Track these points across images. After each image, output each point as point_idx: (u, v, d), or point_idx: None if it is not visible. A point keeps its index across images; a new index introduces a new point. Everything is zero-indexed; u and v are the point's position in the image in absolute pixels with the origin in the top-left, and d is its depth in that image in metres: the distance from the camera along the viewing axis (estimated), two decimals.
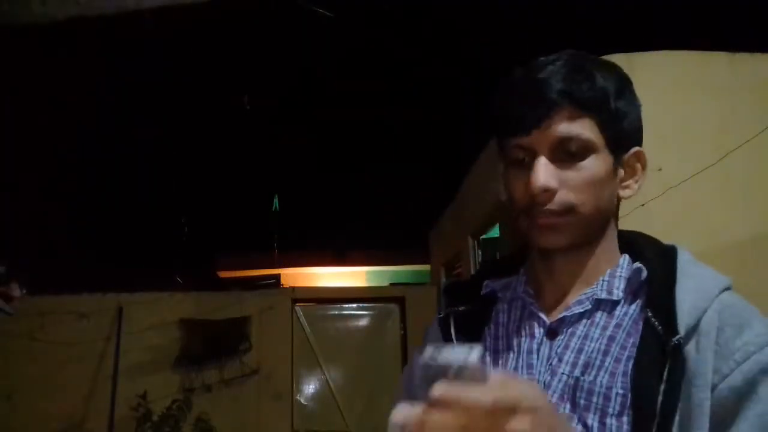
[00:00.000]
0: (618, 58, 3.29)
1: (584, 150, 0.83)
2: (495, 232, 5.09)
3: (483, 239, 5.38)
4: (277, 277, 10.21)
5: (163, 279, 7.81)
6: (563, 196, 0.83)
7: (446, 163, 8.34)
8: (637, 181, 0.91)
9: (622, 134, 0.87)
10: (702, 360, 0.77)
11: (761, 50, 3.45)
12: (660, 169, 3.13)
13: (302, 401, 7.08)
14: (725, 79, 3.39)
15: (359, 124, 10.90)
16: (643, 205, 3.05)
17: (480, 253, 5.44)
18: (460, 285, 1.04)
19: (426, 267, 8.51)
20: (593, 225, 0.87)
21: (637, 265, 0.88)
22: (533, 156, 0.84)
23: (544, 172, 0.82)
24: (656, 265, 0.87)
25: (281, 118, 10.21)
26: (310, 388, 7.14)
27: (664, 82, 3.33)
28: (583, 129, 0.83)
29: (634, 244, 0.93)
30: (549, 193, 0.82)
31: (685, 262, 0.87)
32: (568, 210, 0.83)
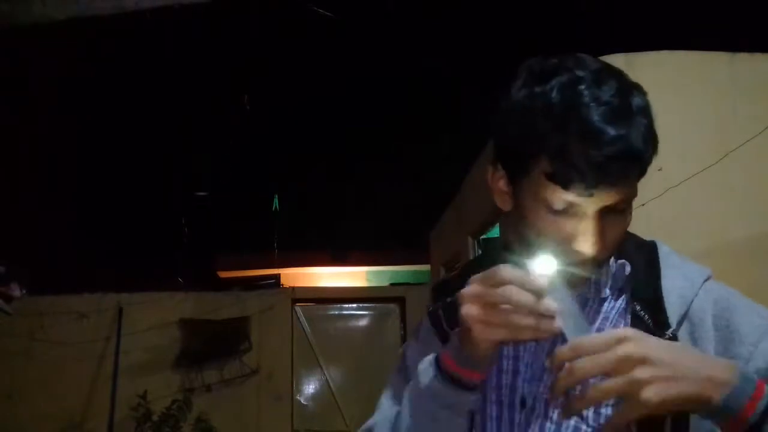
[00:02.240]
0: (618, 58, 3.30)
1: (629, 207, 0.83)
2: (495, 232, 5.09)
3: (483, 239, 5.37)
4: (277, 277, 10.20)
5: (163, 279, 7.81)
6: (605, 254, 0.83)
7: (446, 163, 8.34)
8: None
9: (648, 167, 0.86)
10: (701, 349, 0.78)
11: (761, 50, 3.45)
12: (660, 169, 3.12)
13: (302, 401, 7.08)
14: (725, 79, 3.39)
15: (359, 125, 10.90)
16: (643, 205, 3.05)
17: (480, 253, 5.43)
18: (447, 281, 1.04)
19: (426, 267, 8.49)
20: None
21: (621, 261, 0.90)
22: (578, 209, 0.80)
23: (597, 239, 0.80)
24: (638, 259, 0.89)
25: (281, 117, 10.21)
26: (310, 388, 7.14)
27: (664, 82, 3.33)
28: (634, 189, 0.82)
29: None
30: (596, 253, 0.81)
31: (666, 254, 0.89)
32: (604, 263, 0.85)
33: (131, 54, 7.13)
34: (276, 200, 8.74)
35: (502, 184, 0.89)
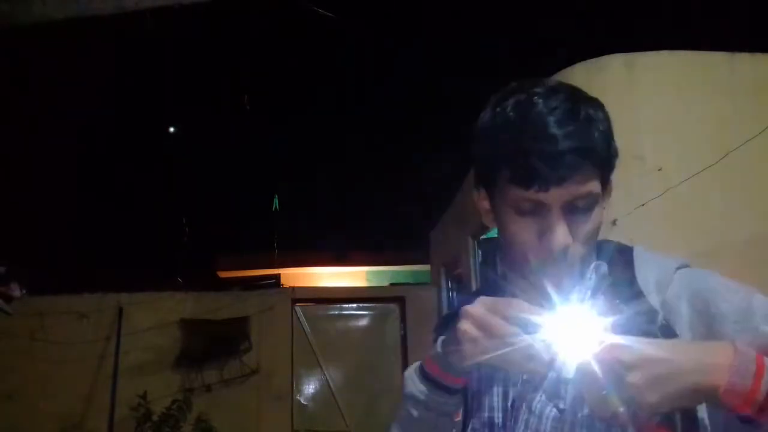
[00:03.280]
0: (618, 58, 3.30)
1: (592, 204, 0.87)
2: (495, 232, 5.08)
3: (483, 239, 5.37)
4: (277, 277, 10.20)
5: (163, 279, 7.80)
6: (575, 250, 0.86)
7: (446, 163, 8.34)
8: (605, 207, 0.94)
9: (611, 174, 0.91)
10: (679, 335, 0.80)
11: (761, 50, 3.45)
12: (660, 169, 3.13)
13: (302, 401, 7.08)
14: (725, 79, 3.39)
15: (360, 126, 10.90)
16: (643, 205, 3.05)
17: (480, 253, 5.43)
18: (451, 313, 1.09)
19: (426, 267, 8.50)
20: (587, 260, 0.91)
21: (598, 262, 0.93)
22: (542, 209, 0.85)
23: (563, 233, 0.84)
24: (615, 261, 0.92)
25: (281, 117, 10.20)
26: (310, 388, 7.14)
27: (664, 82, 3.33)
28: (593, 185, 0.86)
29: (599, 250, 0.97)
30: (565, 248, 0.85)
31: (640, 251, 0.93)
32: (577, 261, 0.87)
33: (131, 54, 7.13)
34: (276, 200, 8.73)
35: (485, 204, 0.97)
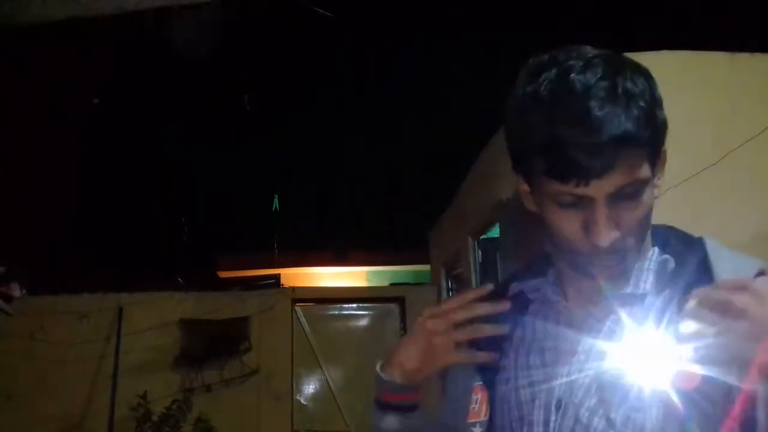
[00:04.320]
0: None
1: (641, 189, 0.80)
2: (495, 232, 5.08)
3: (483, 239, 5.37)
4: (277, 277, 10.19)
5: (163, 279, 7.80)
6: (624, 241, 0.80)
7: (446, 163, 8.35)
8: (660, 178, 0.89)
9: (662, 146, 0.85)
10: None
11: (761, 50, 3.45)
12: None
13: (302, 401, 7.08)
14: (725, 79, 3.39)
15: (359, 125, 10.89)
16: None
17: (480, 253, 5.43)
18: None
19: (426, 267, 8.49)
20: (640, 246, 0.86)
21: (664, 256, 0.87)
22: (584, 201, 0.79)
23: (607, 228, 0.78)
24: (684, 255, 0.86)
25: (281, 117, 10.20)
26: (310, 388, 7.14)
27: (664, 82, 3.32)
28: (640, 170, 0.79)
29: (660, 236, 0.92)
30: (612, 242, 0.79)
31: (714, 248, 0.86)
32: (628, 250, 0.82)
33: (131, 54, 7.14)
34: (276, 200, 8.73)
35: (524, 187, 0.89)
